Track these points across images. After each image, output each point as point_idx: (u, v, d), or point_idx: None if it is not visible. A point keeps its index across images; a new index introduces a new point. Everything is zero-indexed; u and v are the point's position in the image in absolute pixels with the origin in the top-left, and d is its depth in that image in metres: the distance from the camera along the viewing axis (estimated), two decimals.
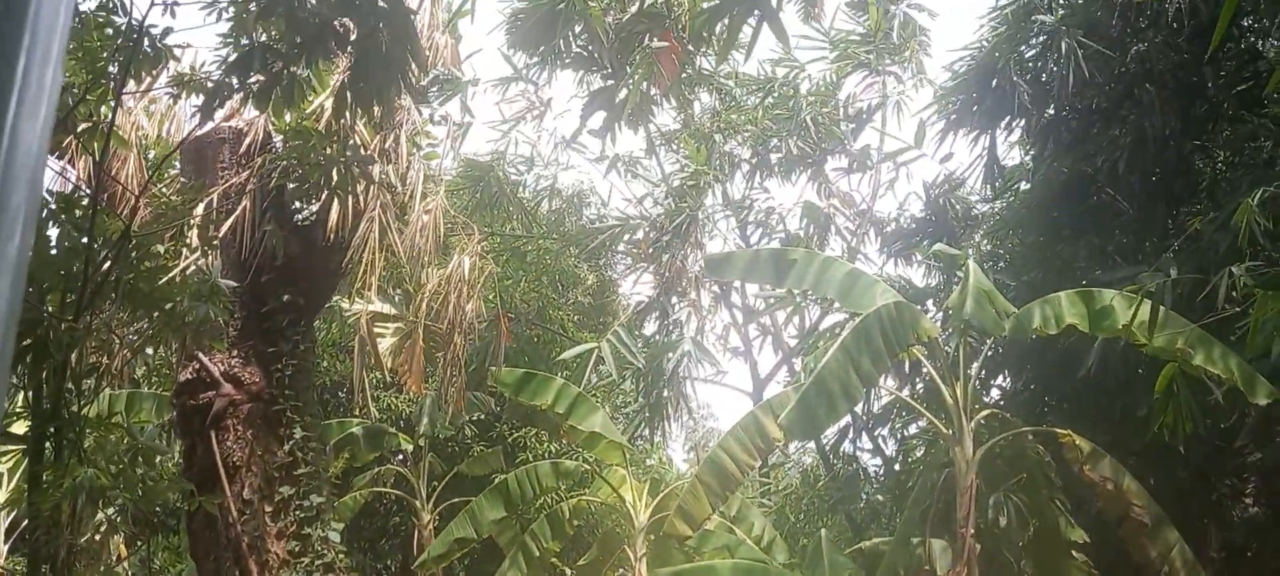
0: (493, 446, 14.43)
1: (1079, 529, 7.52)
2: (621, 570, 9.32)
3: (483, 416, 16.47)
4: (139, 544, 13.09)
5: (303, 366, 6.67)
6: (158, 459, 4.70)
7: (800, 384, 6.91)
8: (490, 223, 14.14)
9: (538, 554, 8.62)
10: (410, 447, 12.90)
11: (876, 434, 12.13)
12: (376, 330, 12.10)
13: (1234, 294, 5.14)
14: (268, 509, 6.09)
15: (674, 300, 9.51)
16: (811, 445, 13.20)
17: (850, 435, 12.36)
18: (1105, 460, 6.94)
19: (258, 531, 5.99)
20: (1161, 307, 5.87)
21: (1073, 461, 6.98)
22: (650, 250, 9.89)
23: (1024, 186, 11.02)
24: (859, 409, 12.76)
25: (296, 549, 6.01)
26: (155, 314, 4.98)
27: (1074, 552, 7.54)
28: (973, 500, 6.77)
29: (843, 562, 5.89)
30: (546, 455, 14.19)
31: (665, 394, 9.43)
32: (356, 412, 14.77)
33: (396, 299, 13.12)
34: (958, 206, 11.87)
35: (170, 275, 5.14)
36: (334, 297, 11.67)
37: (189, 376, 6.36)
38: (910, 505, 6.64)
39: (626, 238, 11.64)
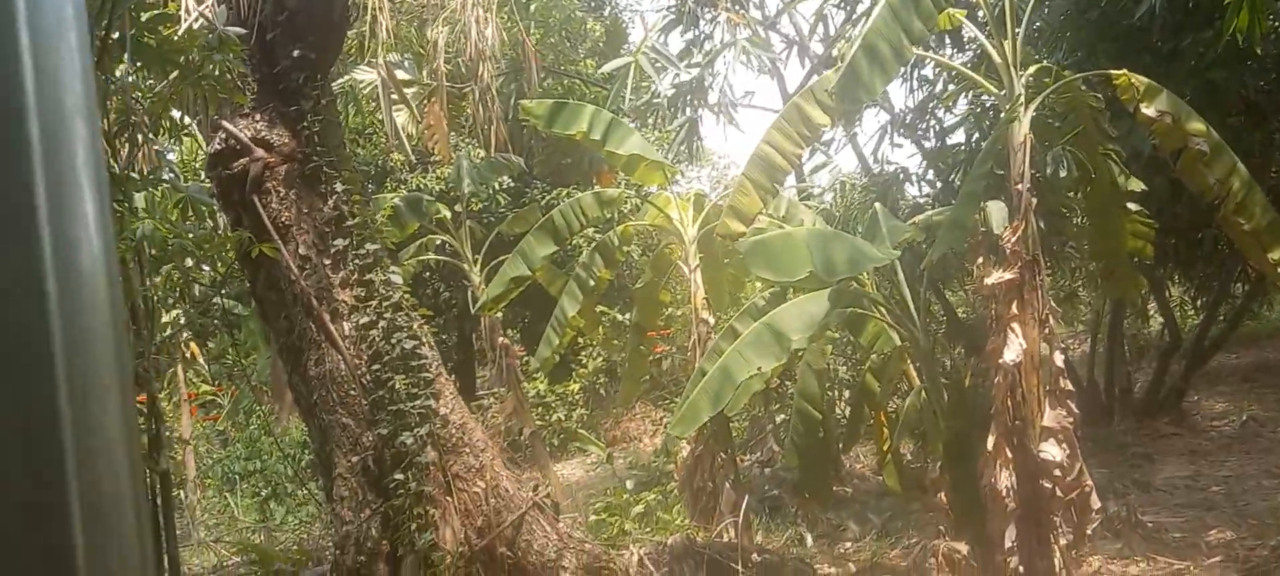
0: (527, 207, 14.49)
1: (1135, 179, 7.40)
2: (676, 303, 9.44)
3: (513, 182, 16.47)
4: (209, 343, 13.61)
5: (329, 121, 6.48)
6: (207, 213, 4.64)
7: (841, 63, 6.60)
8: None
9: (593, 285, 8.71)
10: (449, 215, 12.93)
11: (917, 128, 11.88)
12: (394, 98, 11.83)
13: None
14: (326, 262, 6.11)
15: (702, 9, 9.02)
16: (850, 156, 12.96)
17: (889, 134, 12.16)
18: (1162, 95, 6.65)
19: (322, 283, 6.04)
20: None
21: (1128, 101, 6.71)
22: None
23: None
24: (898, 104, 12.52)
25: (363, 294, 6.07)
26: (170, 70, 4.79)
27: (1130, 203, 7.47)
28: (1027, 156, 6.60)
29: (902, 227, 5.82)
30: None
31: (701, 111, 9.17)
32: (391, 188, 14.82)
33: (406, 65, 12.74)
34: None
35: (176, 28, 4.89)
36: (346, 73, 11.36)
37: (218, 147, 6.22)
38: (970, 176, 6.46)
39: None
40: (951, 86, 10.63)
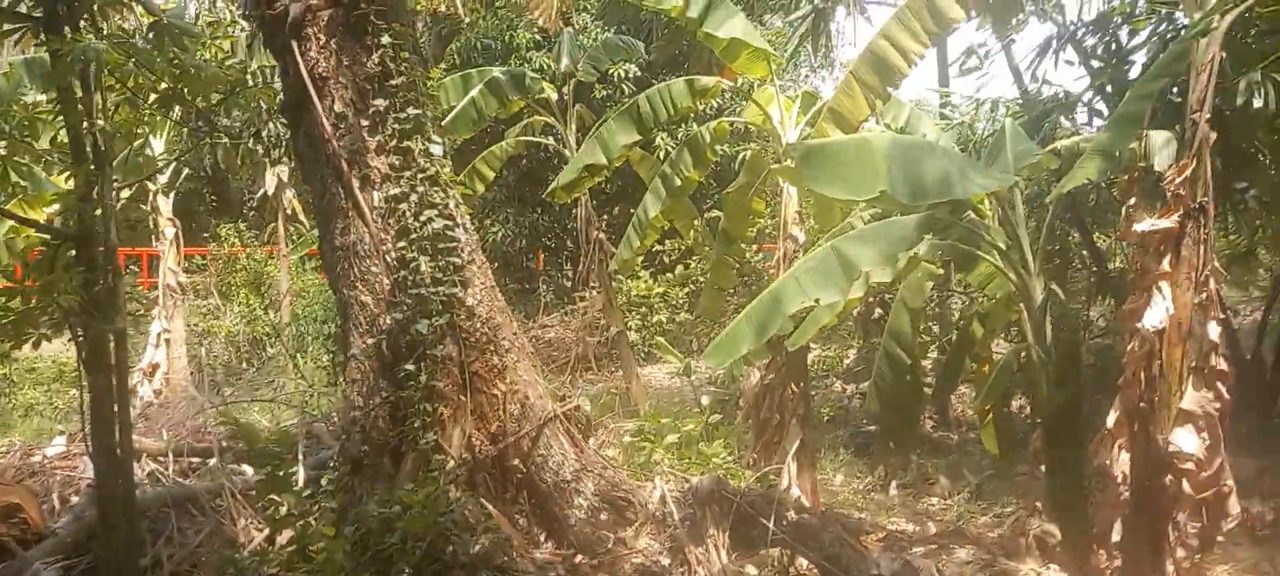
0: None
1: None
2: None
3: (636, 72, 15.57)
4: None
5: None
6: (192, 44, 4.07)
7: None
8: None
9: (679, 184, 7.87)
10: (555, 97, 12.26)
11: (1086, 46, 10.19)
12: None
13: None
14: (363, 123, 5.54)
15: None
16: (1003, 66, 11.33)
17: (1053, 46, 10.51)
18: None
19: (356, 146, 5.48)
20: None
21: None
22: None
23: None
24: (1063, 17, 10.78)
25: (398, 163, 5.49)
26: None
27: None
28: (1213, 79, 5.25)
29: (1032, 150, 4.69)
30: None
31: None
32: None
33: None
34: None
35: None
36: None
37: None
38: (1133, 93, 5.18)
39: None
40: None
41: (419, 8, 16.00)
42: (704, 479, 5.06)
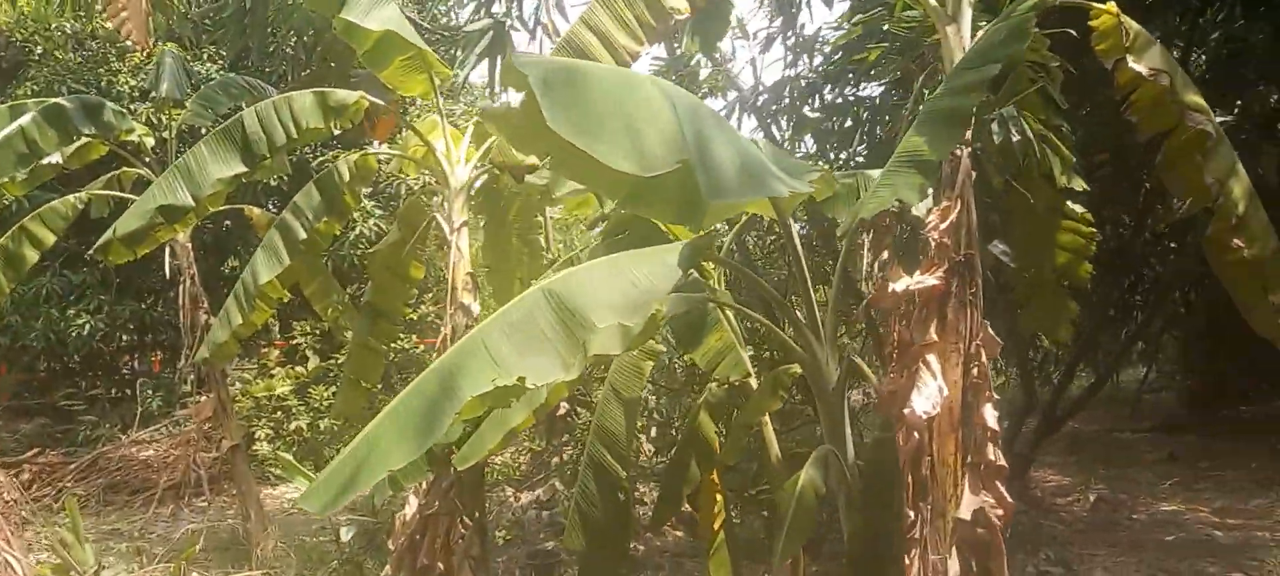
0: None
1: (1079, 177, 5.39)
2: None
3: None
4: None
5: None
6: None
7: None
8: None
9: (304, 236, 5.74)
10: (151, 142, 9.45)
11: (767, 112, 9.66)
12: None
13: None
14: None
15: None
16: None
17: (737, 111, 9.87)
18: (1156, 50, 4.61)
19: None
20: None
21: (1107, 52, 4.62)
22: None
23: None
24: (756, 76, 10.26)
25: None
26: None
27: (1069, 203, 5.50)
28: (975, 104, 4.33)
29: (805, 167, 3.34)
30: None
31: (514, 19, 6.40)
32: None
33: None
34: None
35: None
36: None
37: None
38: (948, 85, 4.05)
39: None
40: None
41: None
42: None
